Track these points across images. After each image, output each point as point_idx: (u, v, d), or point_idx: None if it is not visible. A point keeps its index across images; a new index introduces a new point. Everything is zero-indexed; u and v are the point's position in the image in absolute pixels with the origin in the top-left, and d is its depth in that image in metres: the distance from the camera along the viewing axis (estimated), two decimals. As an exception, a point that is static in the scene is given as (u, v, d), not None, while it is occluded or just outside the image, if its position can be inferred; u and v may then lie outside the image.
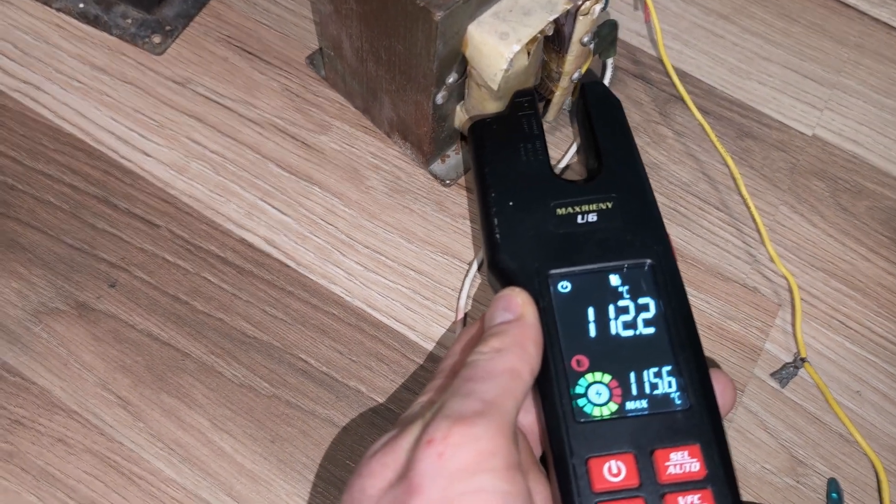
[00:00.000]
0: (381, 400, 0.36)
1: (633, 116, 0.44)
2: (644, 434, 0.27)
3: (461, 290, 0.38)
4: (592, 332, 0.28)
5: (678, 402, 0.27)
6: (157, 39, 0.44)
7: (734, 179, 0.42)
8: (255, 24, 0.45)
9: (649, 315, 0.29)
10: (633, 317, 0.29)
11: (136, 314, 0.37)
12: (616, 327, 0.28)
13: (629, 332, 0.28)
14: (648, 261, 0.29)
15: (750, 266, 0.41)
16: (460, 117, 0.39)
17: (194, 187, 0.40)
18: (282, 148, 0.42)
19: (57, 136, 0.41)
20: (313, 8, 0.45)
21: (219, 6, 0.46)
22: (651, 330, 0.28)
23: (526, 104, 0.35)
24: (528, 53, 0.35)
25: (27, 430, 0.35)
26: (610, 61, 0.41)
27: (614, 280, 0.29)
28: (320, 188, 0.41)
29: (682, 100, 0.44)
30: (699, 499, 0.26)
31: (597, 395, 0.27)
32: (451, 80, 0.36)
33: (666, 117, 0.44)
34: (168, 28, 0.44)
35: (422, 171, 0.42)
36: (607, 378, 0.28)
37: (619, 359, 0.28)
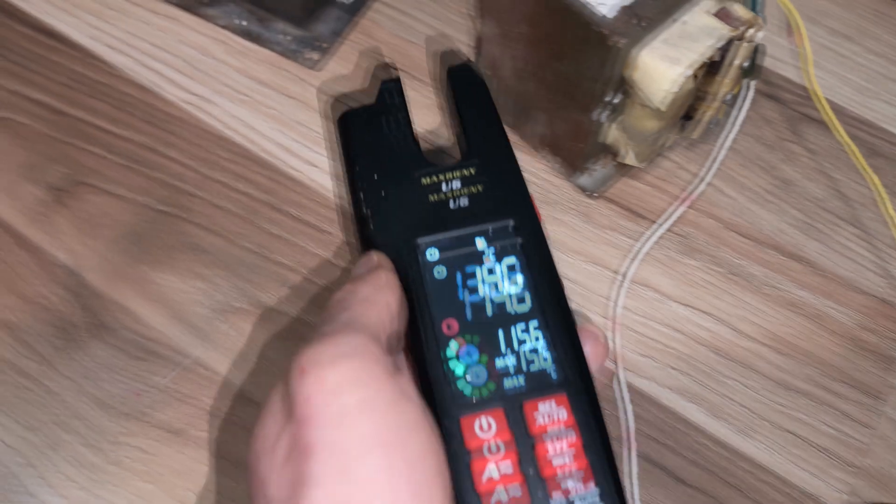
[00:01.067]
0: (542, 400, 0.39)
1: (765, 135, 0.46)
2: (513, 390, 0.28)
3: (616, 300, 0.41)
4: (461, 295, 0.30)
5: (545, 355, 0.28)
6: (314, 56, 0.47)
7: (879, 196, 0.43)
8: (403, 41, 0.48)
9: (514, 273, 0.30)
10: (499, 276, 0.30)
11: (306, 310, 0.40)
12: (484, 289, 0.30)
13: (496, 293, 0.30)
14: (511, 221, 0.31)
15: (886, 281, 0.42)
16: (613, 134, 0.41)
17: (356, 196, 0.43)
18: (436, 160, 0.44)
19: (228, 147, 0.44)
20: (483, 31, 0.47)
21: (369, 24, 0.48)
22: (517, 288, 0.30)
23: (393, 91, 0.37)
24: (695, 77, 0.37)
25: (218, 419, 0.37)
26: (752, 83, 0.43)
27: (480, 243, 0.31)
28: (474, 199, 0.43)
29: (815, 119, 0.46)
30: (568, 445, 0.27)
31: (467, 356, 0.28)
32: (614, 100, 0.38)
33: (798, 136, 0.46)
34: (323, 45, 0.47)
35: (569, 184, 0.44)
36: (476, 339, 0.29)
37: (488, 319, 0.29)
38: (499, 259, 0.30)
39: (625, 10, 0.35)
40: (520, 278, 0.30)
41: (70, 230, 0.41)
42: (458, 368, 0.28)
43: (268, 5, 0.47)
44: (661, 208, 0.43)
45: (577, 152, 0.42)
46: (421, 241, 0.30)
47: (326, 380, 0.24)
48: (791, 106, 0.47)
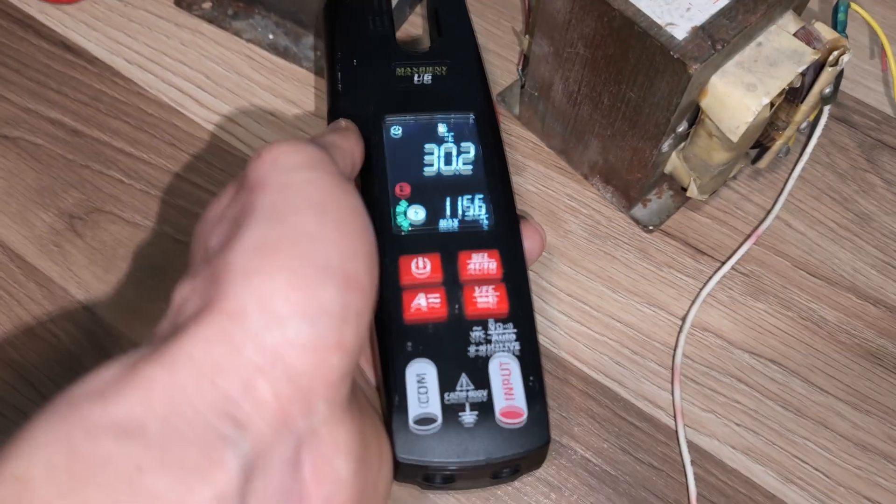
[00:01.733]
0: (594, 460, 0.35)
1: (838, 163, 0.42)
2: (451, 243, 0.31)
3: (676, 347, 0.37)
4: (417, 167, 0.32)
5: (485, 222, 0.31)
6: (346, 73, 0.43)
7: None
8: (442, 57, 0.44)
9: (469, 157, 0.33)
10: (454, 158, 0.33)
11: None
12: (439, 164, 0.32)
13: (450, 170, 0.32)
14: (472, 115, 0.33)
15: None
16: (674, 163, 0.38)
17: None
18: (477, 188, 0.41)
19: (254, 171, 0.41)
20: (531, 50, 0.44)
21: (406, 38, 0.45)
22: (469, 169, 0.32)
23: None
24: (772, 106, 0.33)
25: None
26: (828, 108, 0.39)
27: (441, 128, 0.33)
28: (519, 231, 0.40)
29: (893, 147, 0.42)
30: (494, 289, 0.29)
31: (414, 214, 0.31)
32: (681, 129, 0.35)
33: (874, 164, 0.42)
34: (357, 61, 0.44)
35: (622, 216, 0.40)
36: (426, 202, 0.31)
37: (439, 189, 0.32)
38: (457, 143, 0.33)
39: (698, 31, 0.31)
40: (473, 161, 0.33)
41: (83, 261, 0.38)
42: (404, 224, 0.31)
43: (297, 18, 0.44)
44: (723, 244, 0.40)
45: (632, 183, 0.38)
46: (387, 118, 0.33)
47: (280, 162, 0.26)
48: (866, 131, 0.43)
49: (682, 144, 0.37)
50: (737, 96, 0.32)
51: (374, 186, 0.31)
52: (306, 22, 0.44)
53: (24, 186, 0.40)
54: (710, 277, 0.38)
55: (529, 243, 0.31)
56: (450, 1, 0.38)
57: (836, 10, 0.36)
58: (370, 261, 0.25)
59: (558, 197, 0.41)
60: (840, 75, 0.38)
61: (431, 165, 0.32)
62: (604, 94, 0.36)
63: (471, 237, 0.31)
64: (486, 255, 0.30)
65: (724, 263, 0.39)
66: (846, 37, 0.36)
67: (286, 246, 0.23)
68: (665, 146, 0.35)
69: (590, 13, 0.33)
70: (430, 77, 0.34)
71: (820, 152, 0.42)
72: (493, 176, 0.32)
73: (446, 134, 0.33)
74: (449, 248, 0.30)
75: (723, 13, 0.32)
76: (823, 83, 0.34)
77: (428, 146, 0.33)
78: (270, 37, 0.44)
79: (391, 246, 0.30)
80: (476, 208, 0.31)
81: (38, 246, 0.39)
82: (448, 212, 0.31)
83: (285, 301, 0.22)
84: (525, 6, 0.44)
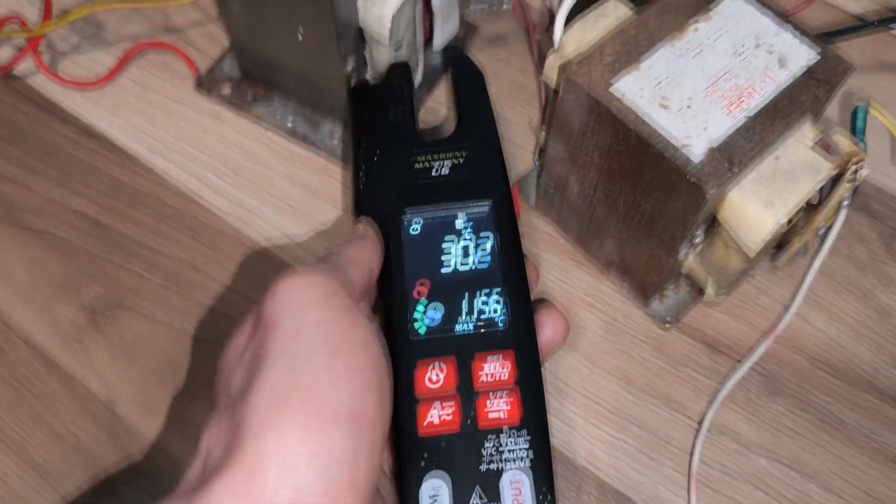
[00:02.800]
0: (610, 569, 0.35)
1: (857, 255, 0.42)
2: (466, 347, 0.30)
3: (692, 451, 0.37)
4: (435, 263, 0.33)
5: (500, 321, 0.31)
6: (364, 161, 0.44)
7: None
8: (459, 144, 0.45)
9: (486, 249, 0.33)
10: (471, 250, 0.33)
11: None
12: (456, 259, 0.33)
13: (467, 264, 0.33)
14: (489, 202, 0.34)
15: None
16: (691, 265, 0.37)
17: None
18: (493, 281, 0.41)
19: (271, 264, 0.41)
20: (549, 150, 0.44)
21: (421, 128, 0.45)
22: (486, 261, 0.33)
23: (400, 73, 0.40)
24: (790, 220, 0.33)
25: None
26: (847, 202, 0.39)
27: (459, 219, 0.34)
28: (535, 327, 0.40)
29: (913, 239, 0.41)
30: (506, 400, 0.29)
31: (431, 316, 0.31)
32: (698, 238, 0.35)
33: (894, 256, 0.42)
34: (374, 149, 0.44)
35: (638, 311, 0.40)
36: (443, 302, 0.32)
37: (456, 286, 0.32)
38: (474, 234, 0.33)
39: (714, 152, 0.31)
40: (490, 253, 0.33)
41: (104, 357, 0.39)
42: (421, 328, 0.31)
43: (316, 104, 0.44)
44: (741, 340, 0.39)
45: (649, 283, 0.38)
46: (406, 212, 0.34)
47: (292, 301, 0.27)
48: (886, 221, 0.43)
49: (700, 247, 0.37)
50: (755, 212, 0.32)
51: (392, 288, 0.32)
52: (324, 108, 0.44)
53: (47, 279, 0.41)
54: (728, 377, 0.38)
55: (552, 331, 0.32)
56: (471, 85, 0.38)
57: (854, 115, 0.36)
58: (381, 393, 0.27)
59: (574, 291, 0.41)
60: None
61: (449, 261, 0.33)
62: (619, 201, 0.36)
63: (486, 338, 0.31)
64: (500, 359, 0.30)
65: (741, 362, 0.39)
66: (864, 143, 0.35)
67: (298, 397, 0.25)
68: (682, 254, 0.35)
69: (605, 128, 0.33)
70: (448, 166, 0.35)
71: (839, 243, 0.42)
72: (510, 269, 0.32)
73: (464, 225, 0.33)
74: (464, 352, 0.30)
75: (740, 132, 0.32)
76: (841, 195, 0.34)
77: (446, 240, 0.33)
78: (289, 123, 0.45)
79: (407, 354, 0.30)
80: (492, 306, 0.31)
81: (61, 342, 0.39)
82: (465, 311, 0.31)
83: (298, 455, 0.24)
84: (541, 100, 0.44)
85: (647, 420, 0.38)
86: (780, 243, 0.38)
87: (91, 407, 0.38)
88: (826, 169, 0.33)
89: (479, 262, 0.32)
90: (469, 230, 0.33)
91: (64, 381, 0.38)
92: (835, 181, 0.34)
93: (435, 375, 0.30)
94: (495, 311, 0.31)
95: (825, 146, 0.34)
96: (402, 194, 0.34)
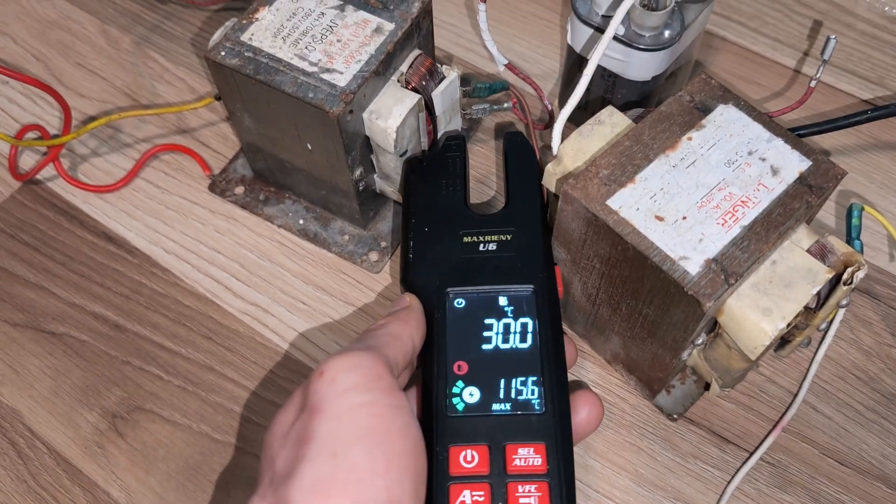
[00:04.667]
0: None
1: (862, 339, 0.42)
2: (501, 431, 0.31)
3: None
4: (476, 342, 0.34)
5: (537, 407, 0.32)
6: (374, 257, 0.45)
7: None
8: (465, 236, 0.46)
9: (526, 332, 0.34)
10: (512, 333, 0.34)
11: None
12: (496, 340, 0.34)
13: (507, 346, 0.34)
14: (531, 286, 0.35)
15: None
16: (695, 360, 0.38)
17: (419, 419, 0.41)
18: (502, 376, 0.42)
19: (285, 363, 0.42)
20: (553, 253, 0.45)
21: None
22: (526, 345, 0.33)
23: (454, 146, 0.40)
24: (788, 323, 0.34)
25: None
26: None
27: (502, 300, 0.35)
28: (544, 422, 0.40)
29: (917, 322, 0.42)
30: (536, 489, 0.30)
31: (469, 395, 0.32)
32: (699, 341, 0.35)
33: (899, 340, 0.42)
34: (383, 244, 0.45)
35: (646, 403, 0.41)
36: (481, 382, 0.33)
37: (495, 367, 0.33)
38: (515, 317, 0.34)
39: (711, 265, 0.32)
40: (530, 337, 0.34)
41: (125, 463, 0.40)
42: (459, 405, 0.32)
43: (326, 204, 0.46)
44: (749, 431, 0.40)
45: (655, 379, 0.39)
46: (451, 290, 0.35)
47: (338, 383, 0.29)
48: (890, 303, 0.43)
49: (703, 346, 0.37)
50: (754, 320, 0.33)
51: (433, 365, 0.33)
52: (334, 208, 0.45)
53: (69, 385, 0.42)
54: (738, 470, 0.39)
55: (587, 414, 0.33)
56: (522, 164, 0.39)
57: (849, 214, 0.37)
58: (417, 482, 0.29)
59: (582, 382, 0.41)
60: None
61: (490, 341, 0.34)
62: (622, 305, 0.36)
63: (522, 422, 0.32)
64: (532, 449, 0.31)
65: (751, 455, 0.39)
66: (860, 244, 0.36)
67: (339, 484, 0.27)
68: (685, 355, 0.36)
69: (604, 239, 0.34)
70: (494, 245, 0.36)
71: (843, 327, 0.42)
72: (548, 355, 0.33)
73: (506, 307, 0.34)
74: (498, 436, 0.31)
75: (735, 243, 0.32)
76: (839, 297, 0.34)
77: (488, 321, 0.34)
78: (301, 222, 0.46)
79: (443, 432, 0.31)
80: (529, 391, 0.32)
81: (83, 448, 0.40)
82: (502, 394, 0.32)
83: None
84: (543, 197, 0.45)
85: (658, 516, 0.38)
86: (782, 338, 0.39)
87: (113, 514, 0.39)
88: (822, 274, 0.33)
89: (519, 346, 0.33)
90: (510, 312, 0.34)
91: (87, 487, 0.39)
92: (833, 283, 0.34)
93: (469, 455, 0.31)
94: (532, 395, 0.32)
95: (821, 251, 0.34)
96: (449, 270, 0.35)
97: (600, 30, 0.42)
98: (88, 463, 0.40)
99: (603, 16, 0.42)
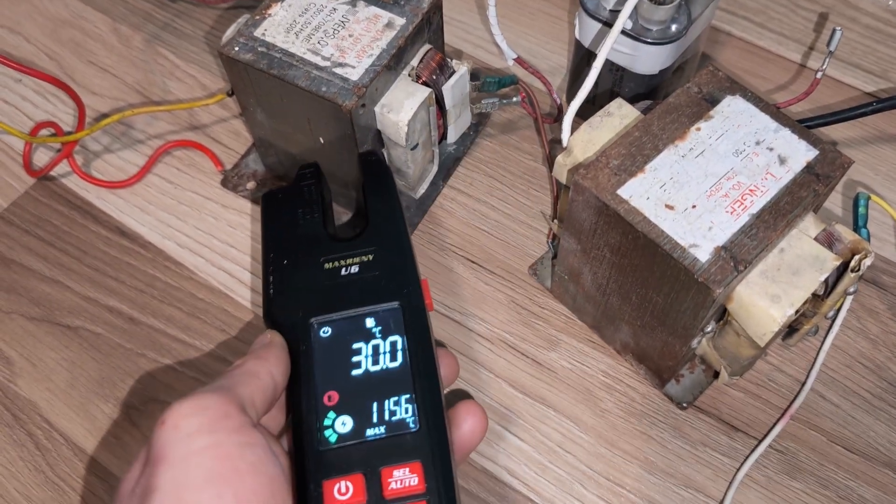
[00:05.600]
0: None
1: (869, 328, 0.42)
2: (376, 456, 0.30)
3: (714, 535, 0.38)
4: (346, 369, 0.32)
5: (411, 425, 0.30)
6: (384, 250, 0.45)
7: None
8: (476, 230, 0.46)
9: (396, 350, 0.32)
10: (382, 353, 0.32)
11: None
12: (366, 363, 0.32)
13: (378, 367, 0.32)
14: (397, 303, 0.33)
15: None
16: (705, 348, 0.38)
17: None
18: (513, 366, 0.42)
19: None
20: (562, 243, 0.46)
21: (439, 212, 0.47)
22: (396, 364, 0.32)
23: (309, 175, 0.39)
24: (797, 311, 0.34)
25: None
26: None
27: (368, 322, 0.33)
28: (555, 411, 0.41)
29: (923, 311, 0.42)
30: None
31: (342, 425, 0.30)
32: (709, 328, 0.36)
33: (906, 329, 0.42)
34: (393, 237, 0.46)
35: (656, 392, 0.41)
36: (354, 409, 0.31)
37: (367, 392, 0.31)
38: (384, 337, 0.32)
39: (720, 252, 0.32)
40: (400, 355, 0.32)
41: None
42: (331, 437, 0.30)
43: (337, 197, 0.46)
44: (758, 419, 0.40)
45: (664, 367, 0.39)
46: (315, 319, 0.33)
47: (181, 429, 0.26)
48: (893, 292, 0.43)
49: (712, 334, 0.38)
50: (762, 306, 0.33)
51: (301, 400, 0.31)
52: (346, 200, 0.46)
53: (85, 377, 0.43)
54: (747, 457, 0.39)
55: (470, 426, 0.32)
56: (379, 183, 0.37)
57: (856, 203, 0.37)
58: None
59: (593, 373, 0.42)
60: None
61: (359, 366, 0.32)
62: (632, 293, 0.37)
63: (396, 444, 0.30)
64: (408, 469, 0.29)
65: (760, 442, 0.39)
66: (867, 232, 0.37)
67: None
68: (695, 343, 0.36)
69: (614, 228, 0.34)
70: (356, 267, 0.34)
71: (850, 316, 0.43)
72: (420, 370, 0.31)
73: (373, 328, 0.32)
74: (373, 462, 0.30)
75: (744, 231, 0.33)
76: (847, 285, 0.35)
77: (356, 345, 0.32)
78: (311, 216, 0.47)
79: (316, 467, 0.29)
80: (402, 410, 0.31)
81: (100, 439, 0.41)
82: (375, 418, 0.30)
83: None
84: (553, 190, 0.45)
85: (667, 501, 0.39)
86: (790, 326, 0.39)
87: (130, 503, 0.39)
88: (830, 261, 0.34)
89: (389, 365, 0.32)
90: (378, 333, 0.32)
91: (103, 477, 0.40)
92: (840, 271, 0.35)
93: (344, 487, 0.29)
94: (406, 413, 0.31)
95: (828, 239, 0.35)
96: (312, 299, 0.33)
97: (608, 24, 0.43)
98: (105, 453, 0.41)
99: (611, 10, 0.43)
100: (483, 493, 0.39)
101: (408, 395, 0.31)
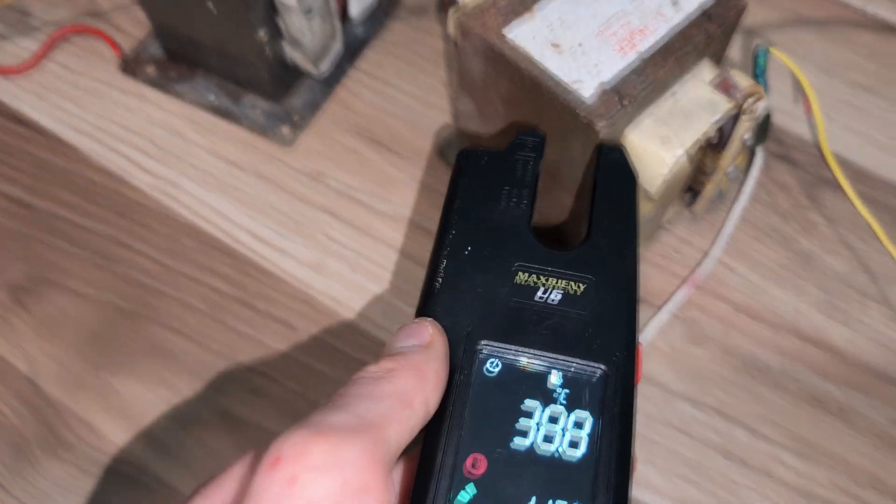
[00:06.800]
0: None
1: (780, 202, 0.42)
2: None
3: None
4: (506, 432, 0.23)
5: None
6: (285, 131, 0.44)
7: (903, 275, 0.39)
8: (383, 112, 0.45)
9: (581, 435, 0.23)
10: (561, 430, 0.23)
11: (277, 421, 0.37)
12: (536, 436, 0.23)
13: (549, 447, 0.23)
14: (602, 368, 0.24)
15: (920, 366, 0.38)
16: (606, 215, 0.37)
17: (331, 286, 0.40)
18: (417, 244, 0.41)
19: (196, 236, 0.41)
20: (452, 106, 0.45)
21: (346, 95, 0.45)
22: (577, 453, 0.23)
23: (530, 145, 0.30)
24: (690, 157, 0.33)
25: (179, 546, 0.35)
26: (760, 148, 0.39)
27: (554, 378, 0.24)
28: (458, 286, 0.40)
29: (832, 183, 0.41)
30: None
31: None
32: (603, 183, 0.35)
33: (815, 202, 0.42)
34: (296, 118, 0.44)
35: (561, 266, 0.40)
36: (501, 495, 0.22)
37: (526, 475, 0.23)
38: (569, 408, 0.24)
39: (605, 89, 0.31)
40: (584, 443, 0.23)
41: (29, 335, 0.39)
42: None
43: (238, 79, 0.44)
44: (664, 290, 0.39)
45: (567, 234, 0.38)
46: (485, 344, 0.24)
47: (301, 487, 0.18)
48: (807, 168, 0.43)
49: (611, 195, 0.37)
50: (652, 150, 0.32)
51: (437, 451, 0.23)
52: (244, 82, 0.44)
53: (-28, 261, 0.41)
54: (651, 326, 0.38)
55: None
56: (615, 189, 0.29)
57: (755, 56, 0.36)
58: None
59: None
60: (767, 120, 0.38)
61: (525, 435, 0.23)
62: (527, 151, 0.36)
63: None
64: None
65: (660, 308, 0.39)
66: (765, 83, 0.36)
67: None
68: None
69: (502, 74, 0.33)
70: (559, 295, 0.25)
71: (761, 191, 0.42)
72: (609, 474, 0.23)
73: (558, 390, 0.24)
74: None
75: (632, 71, 0.32)
76: (742, 131, 0.34)
77: (529, 403, 0.24)
78: (212, 98, 0.45)
79: None
80: None
81: (-15, 320, 0.39)
82: None
83: None
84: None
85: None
86: (692, 188, 0.38)
87: (15, 384, 0.38)
88: (724, 104, 0.33)
89: (568, 451, 0.23)
90: (563, 398, 0.24)
91: (-13, 358, 0.38)
92: (735, 119, 0.34)
93: None
94: None
95: (724, 85, 0.34)
96: (487, 315, 0.25)
97: None
98: (-10, 334, 0.39)
99: None
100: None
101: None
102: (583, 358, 0.24)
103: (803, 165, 0.43)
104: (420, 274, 0.40)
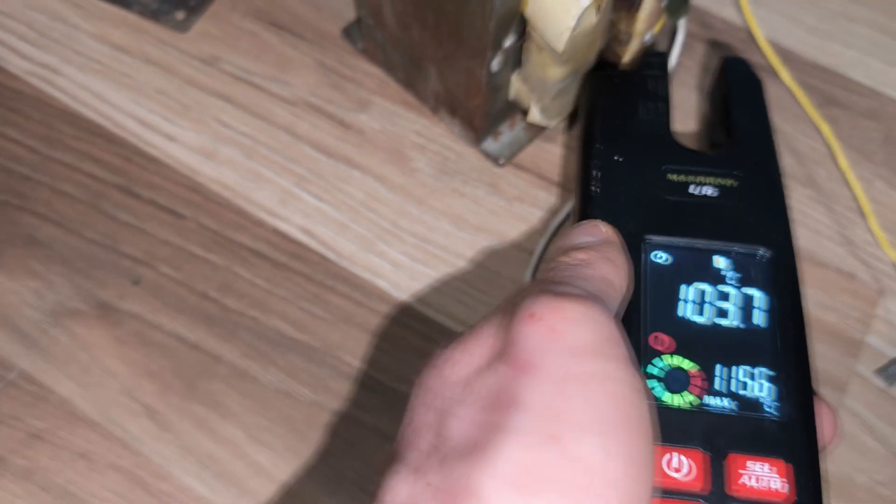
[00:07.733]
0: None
1: (704, 86, 0.40)
2: (721, 435, 0.23)
3: (525, 282, 0.34)
4: (683, 311, 0.25)
5: (771, 411, 0.24)
6: (180, 16, 0.40)
7: (830, 151, 0.37)
8: (286, -5, 0.42)
9: (755, 309, 0.25)
10: (735, 306, 0.26)
11: (161, 314, 0.34)
12: (712, 313, 0.25)
13: (727, 322, 0.25)
14: (764, 250, 0.26)
15: (844, 249, 0.36)
16: (516, 87, 0.35)
17: (223, 174, 0.37)
18: (317, 129, 0.38)
19: (75, 122, 0.38)
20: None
21: (246, -22, 0.42)
22: (754, 325, 0.25)
23: (656, 65, 0.33)
24: (598, 10, 0.30)
25: (46, 444, 0.31)
26: (682, 21, 0.37)
27: (720, 262, 0.26)
28: (360, 172, 0.37)
29: (761, 66, 0.39)
30: None
31: (674, 380, 0.24)
32: (508, 43, 0.32)
33: (742, 85, 0.40)
34: (192, 3, 0.41)
35: (472, 150, 0.38)
36: (691, 365, 0.24)
37: (709, 348, 0.25)
38: (739, 286, 0.26)
39: (502, -72, 0.28)
40: (760, 315, 0.25)
41: None
42: (657, 391, 0.24)
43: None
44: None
45: (474, 110, 0.35)
46: (650, 238, 0.27)
47: (561, 336, 0.20)
48: (734, 51, 0.41)
49: (521, 67, 0.34)
50: (556, 1, 0.30)
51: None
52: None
53: None
54: (563, 209, 0.36)
55: (819, 428, 0.24)
56: (748, 99, 0.32)
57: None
58: (648, 499, 0.20)
59: (405, 134, 0.38)
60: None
61: (702, 312, 0.25)
62: (427, 11, 0.33)
63: (752, 430, 0.23)
64: (767, 465, 0.22)
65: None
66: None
67: (556, 487, 0.18)
68: (495, 64, 0.33)
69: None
70: (712, 190, 0.28)
71: (686, 74, 0.40)
72: (788, 342, 0.25)
73: (727, 272, 0.26)
74: (717, 442, 0.23)
75: None
76: (654, -13, 0.32)
77: (700, 285, 0.26)
78: (99, -18, 0.41)
79: None
80: (758, 388, 0.24)
81: None
82: (720, 385, 0.24)
83: None
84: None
85: (479, 257, 0.35)
86: (607, 61, 0.36)
87: None
88: (633, -48, 0.30)
89: (745, 324, 0.25)
90: (733, 281, 0.26)
91: None
92: (649, -26, 0.31)
93: (677, 461, 0.22)
94: (763, 392, 0.24)
95: (636, -65, 0.31)
96: (648, 212, 0.27)
97: None
98: None
99: None
100: (274, 254, 0.35)
101: (769, 371, 0.24)
102: (745, 242, 0.26)
103: (731, 49, 0.41)
104: (322, 159, 0.37)
